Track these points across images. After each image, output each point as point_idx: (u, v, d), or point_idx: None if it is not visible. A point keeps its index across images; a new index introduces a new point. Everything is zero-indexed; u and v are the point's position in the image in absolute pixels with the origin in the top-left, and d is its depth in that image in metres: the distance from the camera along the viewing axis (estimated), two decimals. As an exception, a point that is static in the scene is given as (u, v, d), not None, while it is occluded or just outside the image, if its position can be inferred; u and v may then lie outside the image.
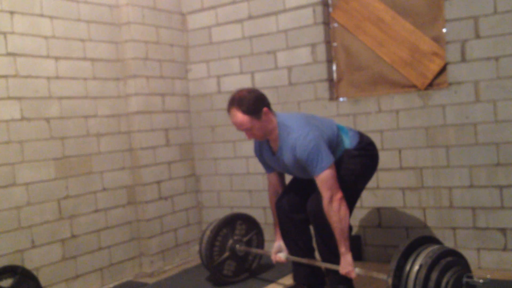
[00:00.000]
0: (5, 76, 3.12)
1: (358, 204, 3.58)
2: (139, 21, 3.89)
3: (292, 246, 3.03)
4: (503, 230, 3.20)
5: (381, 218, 3.61)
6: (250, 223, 3.58)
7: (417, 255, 2.37)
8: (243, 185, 4.19)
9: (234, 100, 2.74)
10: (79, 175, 3.51)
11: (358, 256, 3.60)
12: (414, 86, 3.51)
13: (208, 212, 4.35)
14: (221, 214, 4.25)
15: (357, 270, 2.67)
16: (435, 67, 3.42)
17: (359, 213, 3.64)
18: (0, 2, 3.11)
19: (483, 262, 3.27)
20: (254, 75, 4.04)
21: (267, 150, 2.91)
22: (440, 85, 3.42)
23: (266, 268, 3.72)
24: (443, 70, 3.40)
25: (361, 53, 3.70)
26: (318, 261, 2.93)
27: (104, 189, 3.68)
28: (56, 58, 3.41)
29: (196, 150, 4.39)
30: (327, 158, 2.63)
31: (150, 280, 3.74)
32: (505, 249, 3.20)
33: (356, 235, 3.66)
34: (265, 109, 2.71)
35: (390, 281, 2.32)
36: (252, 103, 2.69)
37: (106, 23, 3.77)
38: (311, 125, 2.71)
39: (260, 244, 3.63)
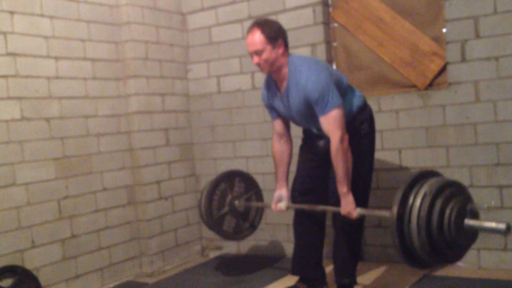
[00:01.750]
0: (5, 76, 3.12)
1: (358, 204, 3.59)
2: (139, 21, 3.90)
3: (301, 232, 3.06)
4: (503, 230, 3.20)
5: (381, 218, 3.60)
6: (249, 182, 3.54)
7: (421, 186, 2.33)
8: (243, 185, 4.19)
9: (258, 21, 2.82)
10: (79, 175, 3.51)
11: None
12: (414, 86, 3.51)
13: (208, 212, 4.35)
14: (221, 214, 4.28)
15: (359, 210, 2.68)
16: (435, 67, 3.42)
17: (359, 213, 3.64)
18: (0, 2, 3.11)
19: (483, 262, 3.27)
20: (254, 75, 4.04)
21: (273, 93, 2.91)
22: (440, 85, 3.42)
23: (266, 268, 3.73)
24: (443, 70, 3.40)
25: (361, 53, 3.70)
26: (319, 206, 2.90)
27: (104, 189, 3.68)
28: (56, 58, 3.41)
29: (196, 150, 4.39)
30: (337, 97, 2.66)
31: (150, 280, 3.74)
32: (505, 249, 3.20)
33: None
34: (280, 41, 2.75)
35: (395, 209, 2.28)
36: (275, 29, 2.76)
37: (106, 23, 3.77)
38: (321, 66, 2.75)
39: (260, 201, 3.57)
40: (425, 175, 2.43)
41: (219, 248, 4.32)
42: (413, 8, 3.48)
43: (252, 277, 3.55)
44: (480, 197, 3.24)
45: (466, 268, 3.30)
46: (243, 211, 3.46)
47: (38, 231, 3.23)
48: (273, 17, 3.88)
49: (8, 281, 2.89)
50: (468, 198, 2.40)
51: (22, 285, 2.93)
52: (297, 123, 2.97)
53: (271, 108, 3.00)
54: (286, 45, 2.78)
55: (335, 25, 3.80)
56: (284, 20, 3.84)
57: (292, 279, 3.29)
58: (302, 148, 3.09)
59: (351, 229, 2.89)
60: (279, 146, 3.04)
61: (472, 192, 3.23)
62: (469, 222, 2.29)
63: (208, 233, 4.36)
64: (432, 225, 2.24)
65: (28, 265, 3.12)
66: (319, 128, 2.80)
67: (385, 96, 3.55)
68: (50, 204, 3.31)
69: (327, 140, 2.74)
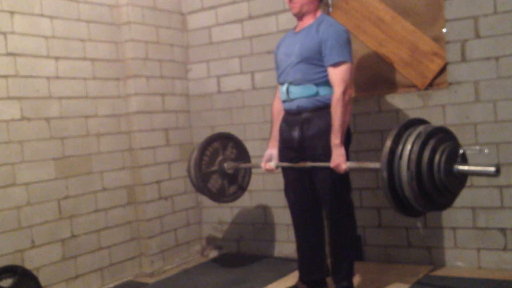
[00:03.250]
0: (5, 76, 3.12)
1: (358, 204, 3.59)
2: (139, 21, 3.90)
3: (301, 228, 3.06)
4: (503, 230, 3.20)
5: (381, 218, 3.61)
6: (241, 150, 3.56)
7: (409, 135, 2.35)
8: (243, 185, 4.18)
9: None
10: (79, 175, 3.51)
11: (358, 256, 3.60)
12: (414, 86, 3.51)
13: (208, 212, 4.35)
14: (221, 214, 4.28)
15: (349, 163, 2.70)
16: (435, 67, 3.42)
17: (359, 213, 3.64)
18: (0, 2, 3.11)
19: (483, 262, 3.27)
20: (254, 75, 4.04)
21: (288, 37, 3.03)
22: (440, 85, 3.42)
23: (266, 268, 3.73)
24: (443, 70, 3.40)
25: (361, 53, 3.70)
26: (308, 163, 2.89)
27: (104, 189, 3.68)
28: (56, 58, 3.41)
29: (196, 150, 4.38)
30: (351, 55, 2.81)
31: (150, 280, 3.74)
32: (505, 249, 3.20)
33: (357, 235, 3.66)
34: None
35: (384, 158, 2.29)
36: None
37: (106, 23, 3.77)
38: (345, 28, 2.87)
39: (248, 171, 3.59)
40: (416, 122, 2.48)
41: (219, 248, 4.32)
42: (413, 8, 3.48)
43: (252, 277, 3.55)
44: (480, 197, 3.25)
45: (466, 268, 3.30)
46: (231, 174, 3.47)
47: (38, 231, 3.23)
48: (273, 17, 3.90)
49: (8, 281, 2.89)
50: (458, 144, 2.40)
51: (22, 285, 2.93)
52: (283, 71, 2.97)
53: (278, 68, 3.05)
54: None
55: (335, 25, 3.79)
56: (284, 20, 3.84)
57: (292, 279, 3.29)
58: (280, 148, 3.08)
59: (345, 229, 2.91)
60: (278, 105, 3.11)
61: (472, 192, 3.26)
62: (459, 166, 2.29)
63: (208, 233, 4.37)
64: (422, 172, 2.24)
65: (28, 265, 3.12)
66: (291, 88, 2.87)
67: (385, 96, 3.55)
68: (50, 204, 3.31)
69: (301, 131, 2.85)
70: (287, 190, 3.08)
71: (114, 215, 3.73)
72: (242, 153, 3.56)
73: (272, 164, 3.09)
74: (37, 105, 3.28)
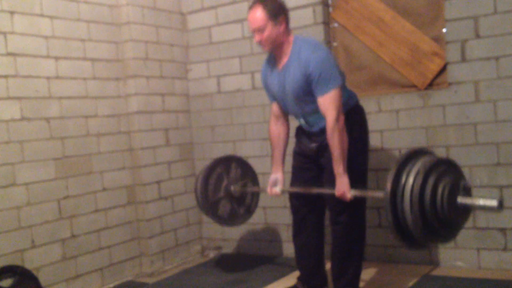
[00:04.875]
0: (5, 76, 3.12)
1: (358, 204, 3.59)
2: (139, 21, 3.90)
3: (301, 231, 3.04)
4: (503, 230, 3.20)
5: (381, 218, 3.61)
6: (245, 168, 3.53)
7: (413, 164, 2.33)
8: (243, 185, 4.18)
9: None
10: (79, 175, 3.51)
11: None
12: (414, 86, 3.51)
13: (208, 212, 4.35)
14: (221, 214, 4.27)
15: (353, 192, 2.66)
16: (435, 67, 3.42)
17: (359, 213, 3.65)
18: (0, 2, 3.11)
19: (483, 262, 3.27)
20: (254, 75, 4.03)
21: (272, 69, 2.89)
22: (440, 85, 3.42)
23: (266, 268, 3.73)
24: (443, 70, 3.40)
25: (361, 53, 3.70)
26: (314, 189, 2.90)
27: (104, 189, 3.68)
28: (56, 58, 3.41)
29: (196, 150, 4.39)
30: (338, 76, 2.66)
31: (150, 280, 3.74)
32: (505, 249, 3.20)
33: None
34: (282, 18, 2.73)
35: (388, 188, 2.28)
36: (276, 6, 2.73)
37: (106, 23, 3.77)
38: (324, 47, 2.78)
39: (256, 194, 3.56)
40: (418, 153, 2.43)
41: (219, 248, 4.32)
42: (413, 8, 3.48)
43: (252, 277, 3.55)
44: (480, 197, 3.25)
45: (466, 268, 3.30)
46: (238, 196, 3.44)
47: (38, 231, 3.23)
48: (273, 17, 3.90)
49: (8, 281, 2.88)
50: (460, 176, 2.39)
51: (22, 285, 2.92)
52: (287, 106, 2.92)
53: (269, 89, 2.99)
54: (287, 22, 2.77)
55: (335, 25, 3.80)
56: (284, 20, 3.84)
57: (292, 279, 3.29)
58: (296, 152, 3.06)
59: (352, 240, 2.85)
60: (275, 128, 3.03)
61: (472, 192, 3.26)
62: (462, 199, 2.29)
63: (208, 233, 4.37)
64: (425, 202, 2.23)
65: (28, 265, 3.12)
66: (307, 119, 2.82)
67: (385, 96, 3.55)
68: (50, 204, 3.31)
69: (319, 143, 2.79)
70: (292, 196, 3.05)
71: (114, 215, 3.73)
72: (246, 170, 3.53)
73: (278, 189, 3.05)
74: (37, 105, 3.28)
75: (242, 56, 4.08)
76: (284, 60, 2.78)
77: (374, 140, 3.54)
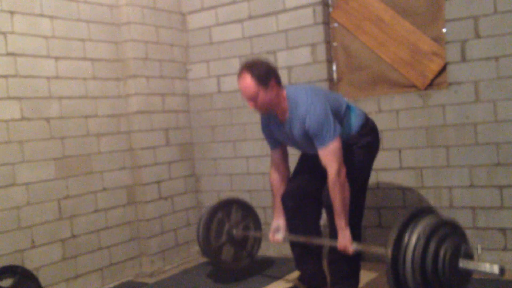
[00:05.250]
0: (5, 76, 3.12)
1: (358, 204, 3.59)
2: (139, 21, 3.90)
3: (296, 231, 3.03)
4: (503, 230, 3.20)
5: (381, 218, 3.61)
6: (246, 209, 3.55)
7: (415, 226, 2.33)
8: (243, 185, 4.18)
9: (247, 64, 2.75)
10: (79, 175, 3.51)
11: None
12: (414, 86, 3.51)
13: (208, 212, 4.35)
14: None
15: (355, 245, 2.66)
16: (435, 67, 3.42)
17: (359, 213, 3.65)
18: (0, 2, 3.11)
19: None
20: (254, 75, 4.03)
21: (275, 122, 2.88)
22: (440, 85, 3.42)
23: (266, 268, 3.73)
24: (443, 70, 3.40)
25: (361, 53, 3.70)
26: (316, 239, 2.91)
27: (104, 189, 3.68)
28: (56, 58, 3.41)
29: (196, 150, 4.39)
30: (335, 128, 2.65)
31: (150, 280, 3.74)
32: (505, 249, 3.20)
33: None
34: (273, 81, 2.70)
35: (389, 251, 2.28)
36: (264, 70, 2.70)
37: (106, 23, 3.77)
38: (319, 96, 2.72)
39: (258, 229, 3.59)
40: (420, 213, 2.42)
41: (219, 248, 4.32)
42: (413, 8, 3.48)
43: (252, 278, 3.55)
44: (480, 197, 3.25)
45: (466, 268, 3.30)
46: (241, 240, 3.48)
47: (38, 231, 3.23)
48: (273, 17, 3.90)
49: (8, 281, 2.89)
50: (462, 238, 2.39)
51: (22, 285, 2.92)
52: (297, 147, 2.96)
53: (270, 137, 2.99)
54: (279, 82, 2.75)
55: (335, 25, 3.80)
56: (284, 20, 3.85)
57: (292, 279, 3.29)
58: (301, 157, 3.07)
59: (349, 263, 2.84)
60: (276, 176, 3.05)
61: (472, 192, 3.26)
62: (463, 263, 2.30)
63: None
64: (427, 267, 2.25)
65: (28, 265, 3.12)
66: None
67: (385, 96, 3.55)
68: (50, 204, 3.31)
69: None
70: (285, 197, 3.01)
71: (114, 215, 3.73)
72: (247, 211, 3.56)
73: (280, 236, 3.06)
74: (37, 105, 3.28)
75: (242, 56, 4.08)
76: (286, 115, 2.78)
77: (374, 140, 3.54)
